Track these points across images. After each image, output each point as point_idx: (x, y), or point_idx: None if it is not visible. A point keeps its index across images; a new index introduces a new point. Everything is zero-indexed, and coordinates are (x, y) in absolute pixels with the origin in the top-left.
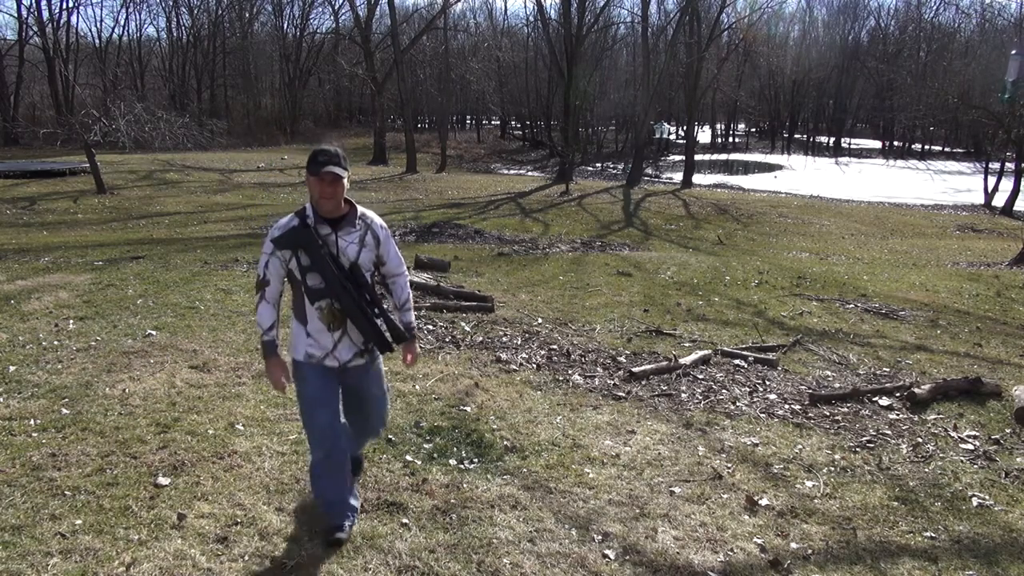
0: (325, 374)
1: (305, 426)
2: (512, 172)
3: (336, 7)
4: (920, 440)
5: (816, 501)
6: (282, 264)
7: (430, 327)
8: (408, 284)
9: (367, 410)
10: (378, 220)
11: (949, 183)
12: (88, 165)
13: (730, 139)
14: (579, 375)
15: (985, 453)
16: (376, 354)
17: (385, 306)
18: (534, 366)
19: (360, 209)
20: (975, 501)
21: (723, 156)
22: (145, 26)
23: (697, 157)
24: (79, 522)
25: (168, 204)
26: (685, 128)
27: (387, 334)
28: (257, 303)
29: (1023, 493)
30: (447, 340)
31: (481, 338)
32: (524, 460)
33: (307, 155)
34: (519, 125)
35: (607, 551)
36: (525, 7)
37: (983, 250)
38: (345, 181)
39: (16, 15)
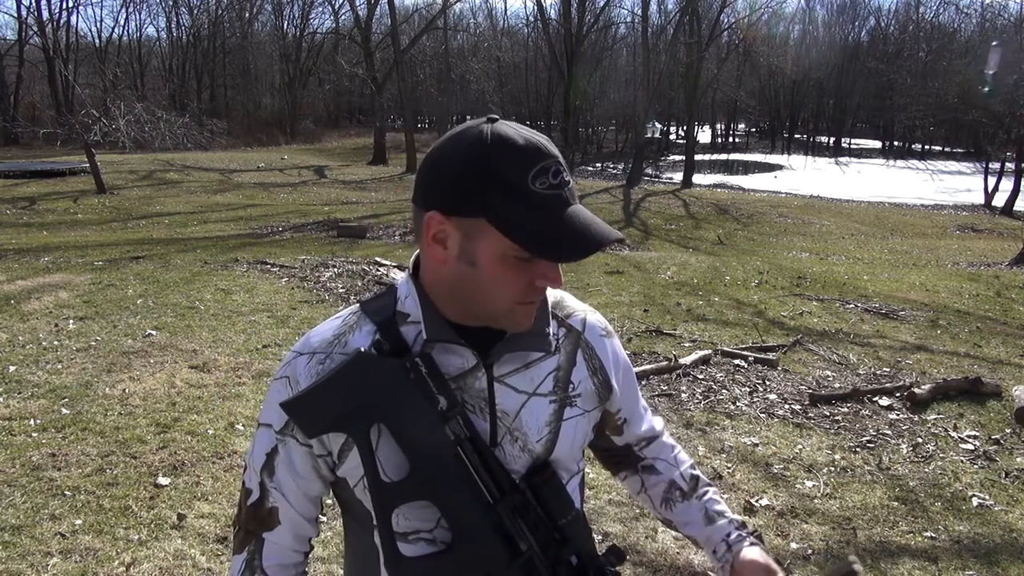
0: None
1: None
2: None
3: (336, 7)
4: (920, 440)
5: (816, 501)
6: (315, 463)
7: None
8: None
9: None
10: (594, 317)
11: (949, 183)
12: (88, 165)
13: (730, 139)
14: None
15: (985, 453)
16: None
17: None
18: None
19: (553, 293)
20: (975, 501)
21: (723, 156)
22: (145, 26)
23: (697, 157)
24: (79, 522)
25: (168, 204)
26: (685, 128)
27: None
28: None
29: (1023, 493)
30: None
31: None
32: None
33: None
34: None
35: None
36: (525, 7)
37: (983, 250)
38: None
39: (16, 15)
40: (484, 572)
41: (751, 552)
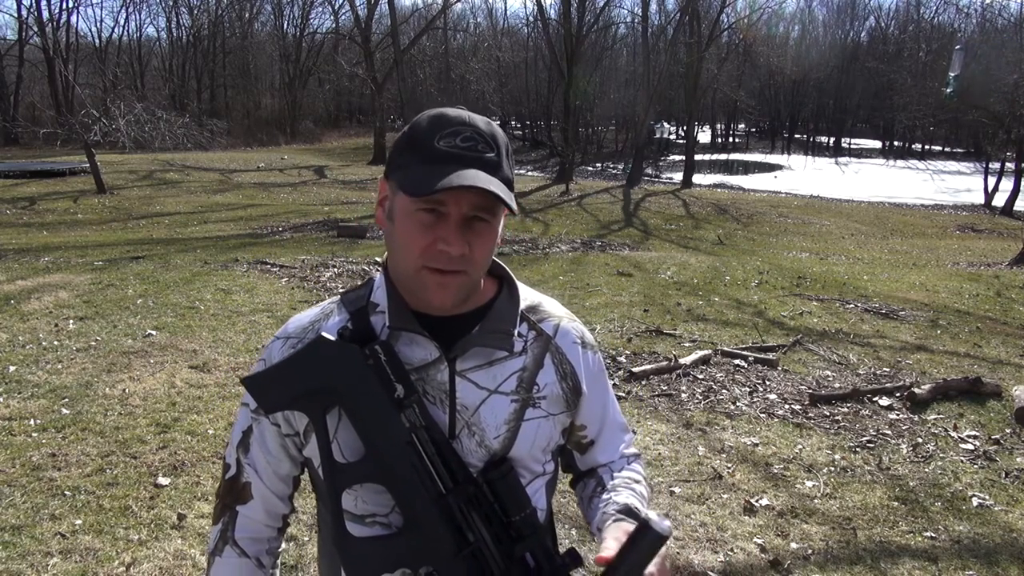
0: None
1: None
2: None
3: (336, 7)
4: (920, 440)
5: (816, 501)
6: (284, 442)
7: None
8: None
9: None
10: (571, 324)
11: (949, 183)
12: (88, 165)
13: (730, 139)
14: None
15: (985, 453)
16: None
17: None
18: None
19: (524, 295)
20: (975, 501)
21: (723, 156)
22: (145, 26)
23: (697, 157)
24: (79, 522)
25: (168, 204)
26: (685, 128)
27: None
28: (212, 546)
29: (1023, 493)
30: None
31: None
32: None
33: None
34: (519, 125)
35: None
36: (525, 7)
37: (983, 250)
38: (499, 223)
39: (16, 15)
40: (430, 558)
41: (608, 531)
